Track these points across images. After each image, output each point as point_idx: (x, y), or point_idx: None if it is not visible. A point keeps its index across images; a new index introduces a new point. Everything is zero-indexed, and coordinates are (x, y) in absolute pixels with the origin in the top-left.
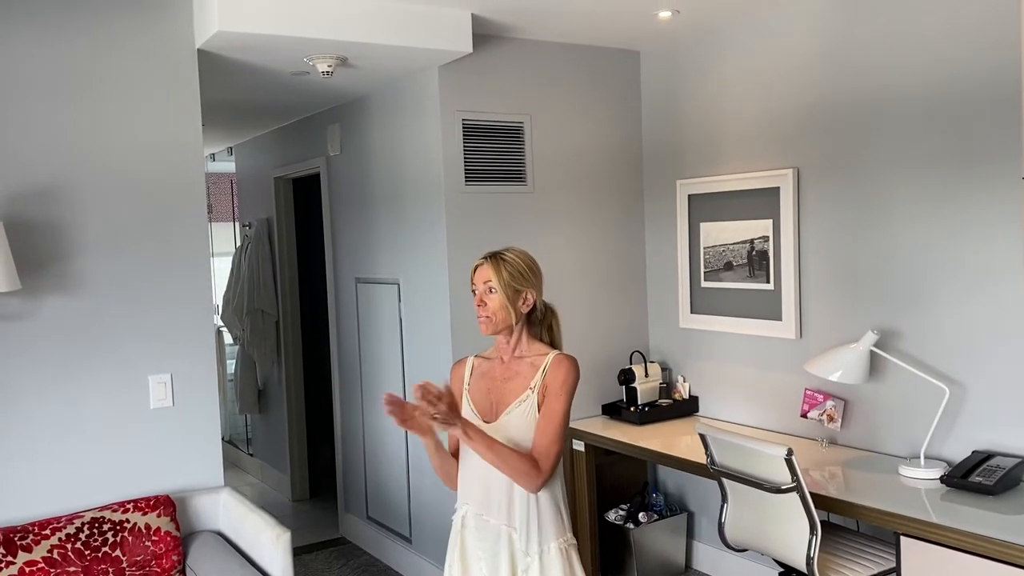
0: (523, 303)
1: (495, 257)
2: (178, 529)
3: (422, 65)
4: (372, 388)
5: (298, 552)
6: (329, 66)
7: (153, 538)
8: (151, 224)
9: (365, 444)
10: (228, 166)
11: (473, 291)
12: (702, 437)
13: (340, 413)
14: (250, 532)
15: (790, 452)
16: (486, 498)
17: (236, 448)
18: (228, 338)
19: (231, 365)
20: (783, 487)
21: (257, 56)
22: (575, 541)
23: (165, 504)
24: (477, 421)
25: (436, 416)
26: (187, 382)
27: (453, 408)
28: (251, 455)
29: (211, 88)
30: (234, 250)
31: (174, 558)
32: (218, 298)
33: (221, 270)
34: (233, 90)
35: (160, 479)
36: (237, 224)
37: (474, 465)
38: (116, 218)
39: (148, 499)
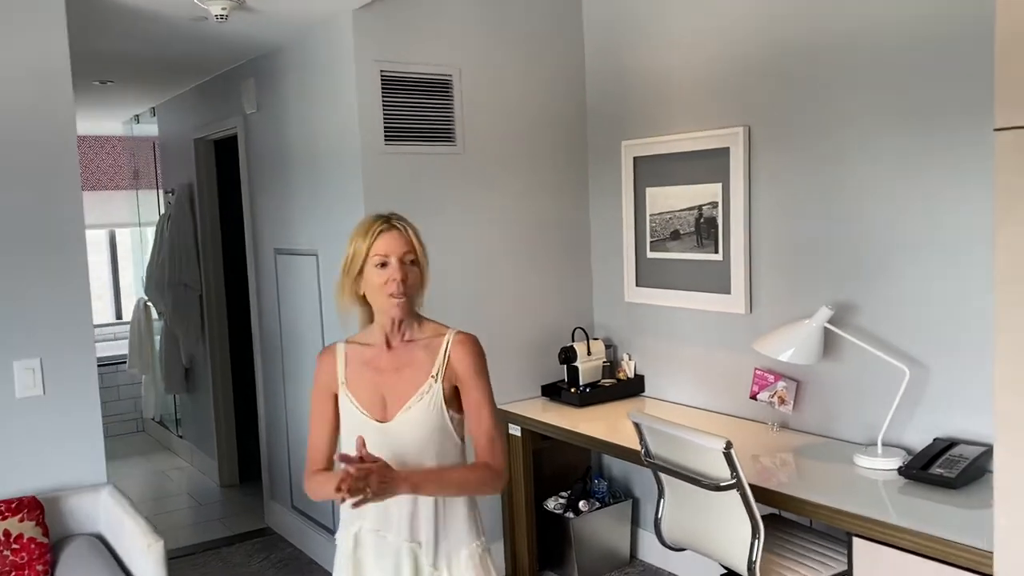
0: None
1: (403, 222)
2: (46, 534)
3: (333, 8)
4: (293, 368)
5: (219, 544)
6: (223, 8)
7: (14, 546)
8: (10, 191)
9: (288, 428)
10: (152, 128)
11: (383, 263)
12: (636, 426)
13: (263, 395)
14: (127, 538)
15: (728, 445)
16: (384, 513)
17: (167, 430)
18: (156, 313)
19: (159, 342)
20: (722, 484)
21: None
22: (488, 545)
23: (30, 507)
24: (366, 422)
25: (367, 492)
26: (61, 368)
27: (384, 474)
28: (181, 437)
29: (108, 38)
30: (158, 219)
31: (39, 568)
32: (143, 271)
33: (148, 241)
34: (135, 40)
35: (28, 478)
36: (161, 191)
37: None
38: None
39: (9, 501)
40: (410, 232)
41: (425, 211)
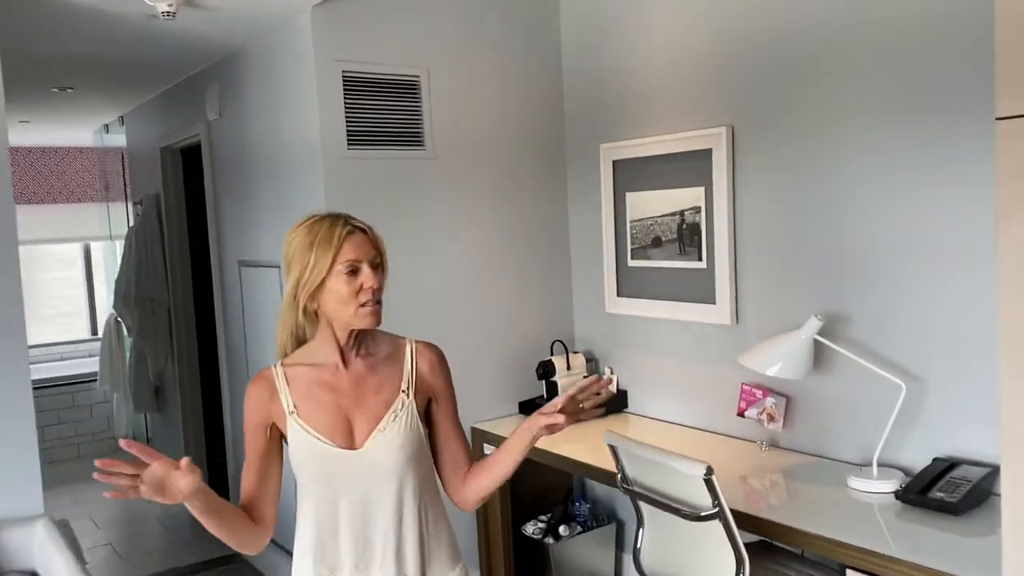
0: None
1: (362, 222)
2: None
3: (291, 6)
4: None
5: (186, 571)
6: (170, 5)
7: None
8: None
9: None
10: (122, 138)
11: (354, 268)
12: (612, 449)
13: (230, 414)
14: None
15: (709, 471)
16: (365, 551)
17: None
18: (126, 329)
19: (128, 359)
20: (703, 513)
21: None
22: (468, 570)
23: None
24: (330, 452)
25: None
26: None
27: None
28: None
29: (56, 41)
30: (126, 231)
31: None
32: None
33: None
34: (87, 42)
35: None
36: (130, 203)
37: (343, 514)
38: None
39: None
40: (373, 232)
41: (393, 218)
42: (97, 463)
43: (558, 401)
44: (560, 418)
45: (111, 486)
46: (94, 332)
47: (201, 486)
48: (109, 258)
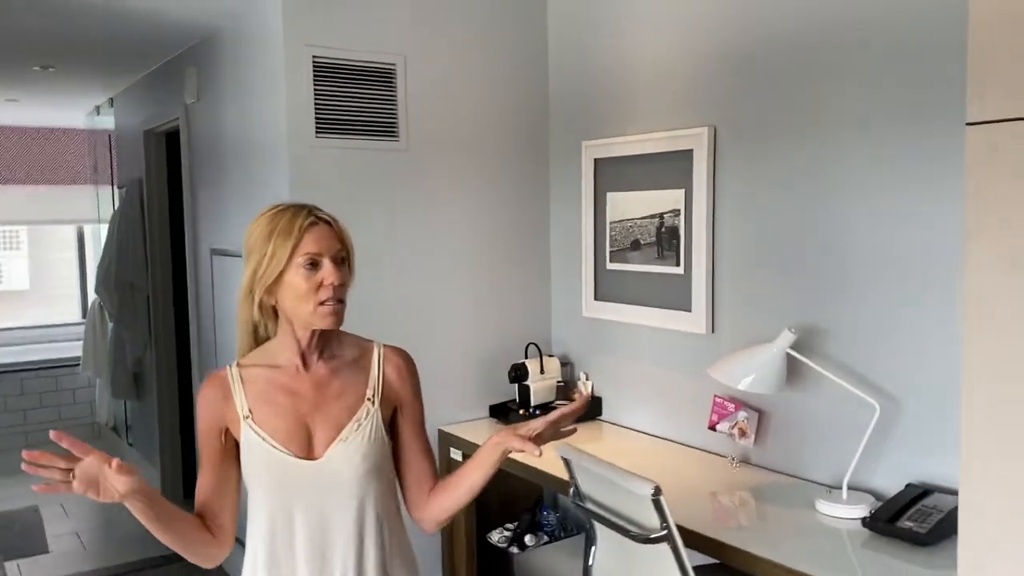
0: None
1: (327, 214)
2: None
3: None
4: None
5: (159, 562)
6: None
7: None
8: None
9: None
10: (112, 120)
11: (312, 263)
12: (566, 462)
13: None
14: None
15: (657, 491)
16: (320, 563)
17: (118, 436)
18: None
19: (110, 344)
20: (651, 536)
21: None
22: None
23: None
24: (285, 461)
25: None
26: None
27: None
28: (131, 445)
29: (26, 16)
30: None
31: None
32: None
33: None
34: (59, 19)
35: None
36: (116, 187)
37: (299, 529)
38: None
39: None
40: (339, 225)
41: (361, 211)
42: (24, 455)
43: (537, 425)
44: (534, 449)
45: (41, 479)
46: (85, 315)
47: (141, 487)
48: (98, 241)
